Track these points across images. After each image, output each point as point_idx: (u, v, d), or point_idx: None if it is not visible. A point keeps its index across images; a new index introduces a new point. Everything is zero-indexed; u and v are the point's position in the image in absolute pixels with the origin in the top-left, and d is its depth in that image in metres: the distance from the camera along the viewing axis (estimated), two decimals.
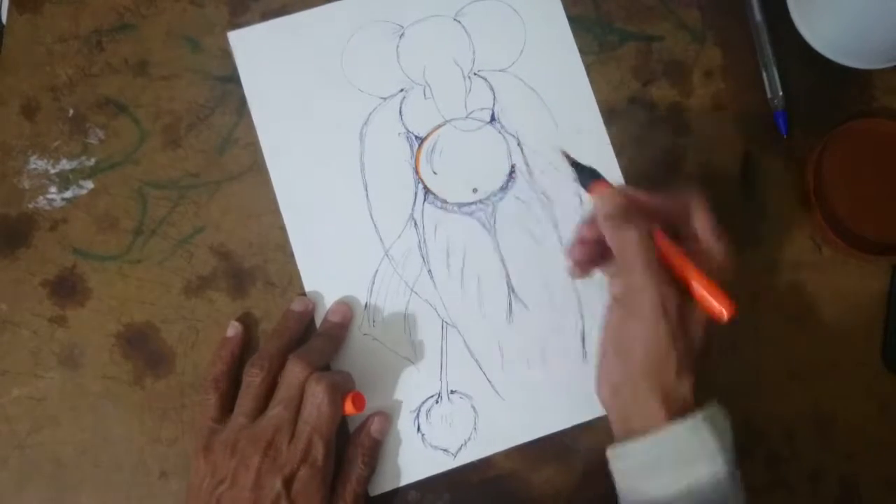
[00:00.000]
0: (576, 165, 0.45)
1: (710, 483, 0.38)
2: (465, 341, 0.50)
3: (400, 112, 0.52)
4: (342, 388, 0.45)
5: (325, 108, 0.52)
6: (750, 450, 0.50)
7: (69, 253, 0.51)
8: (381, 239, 0.51)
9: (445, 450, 0.49)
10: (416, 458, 0.48)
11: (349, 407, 0.45)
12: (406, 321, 0.50)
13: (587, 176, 0.44)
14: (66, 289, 0.50)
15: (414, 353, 0.50)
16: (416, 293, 0.50)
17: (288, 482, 0.42)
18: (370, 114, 0.52)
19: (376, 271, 0.50)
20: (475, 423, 0.49)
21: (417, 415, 0.49)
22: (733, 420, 0.41)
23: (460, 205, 0.51)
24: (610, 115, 0.54)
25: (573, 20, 0.55)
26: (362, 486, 0.46)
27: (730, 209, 0.53)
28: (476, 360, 0.50)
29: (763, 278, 0.52)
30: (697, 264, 0.41)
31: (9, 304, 0.50)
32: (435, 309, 0.50)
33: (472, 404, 0.49)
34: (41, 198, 0.51)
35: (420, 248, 0.51)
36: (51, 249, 0.50)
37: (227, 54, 0.53)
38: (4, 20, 0.54)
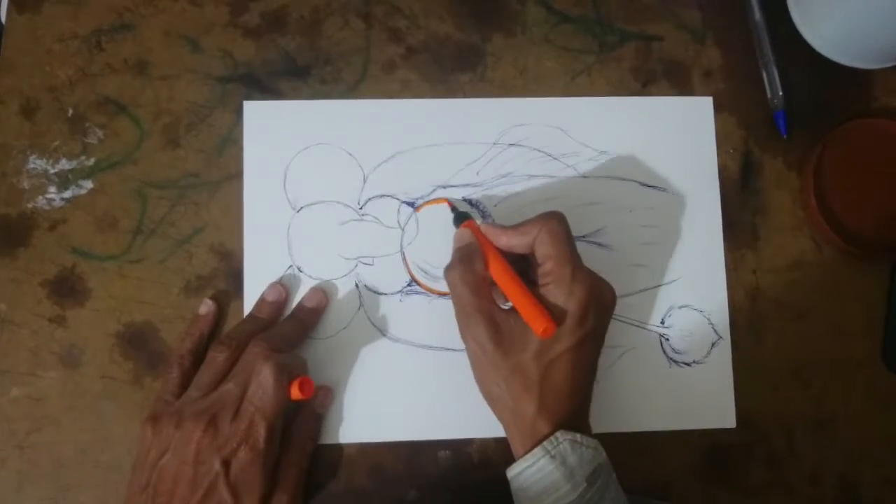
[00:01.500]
0: (453, 209, 0.50)
1: None
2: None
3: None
4: (290, 370, 0.44)
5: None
6: (750, 450, 0.50)
7: (69, 253, 0.50)
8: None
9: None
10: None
11: (295, 391, 0.44)
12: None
13: (459, 220, 0.48)
14: (66, 289, 0.50)
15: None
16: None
17: (227, 463, 0.42)
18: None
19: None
20: None
21: None
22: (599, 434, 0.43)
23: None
24: None
25: (573, 20, 0.55)
26: (307, 461, 0.46)
27: (730, 209, 0.53)
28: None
29: (763, 278, 0.52)
30: (539, 290, 0.44)
31: (8, 304, 0.50)
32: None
33: None
34: (41, 198, 0.51)
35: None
36: (50, 249, 0.50)
37: (226, 54, 0.53)
38: (4, 20, 0.53)
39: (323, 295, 0.50)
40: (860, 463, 0.51)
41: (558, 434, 0.41)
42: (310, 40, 0.54)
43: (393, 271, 0.51)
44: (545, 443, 0.41)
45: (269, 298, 0.49)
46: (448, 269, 0.45)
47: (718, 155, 0.53)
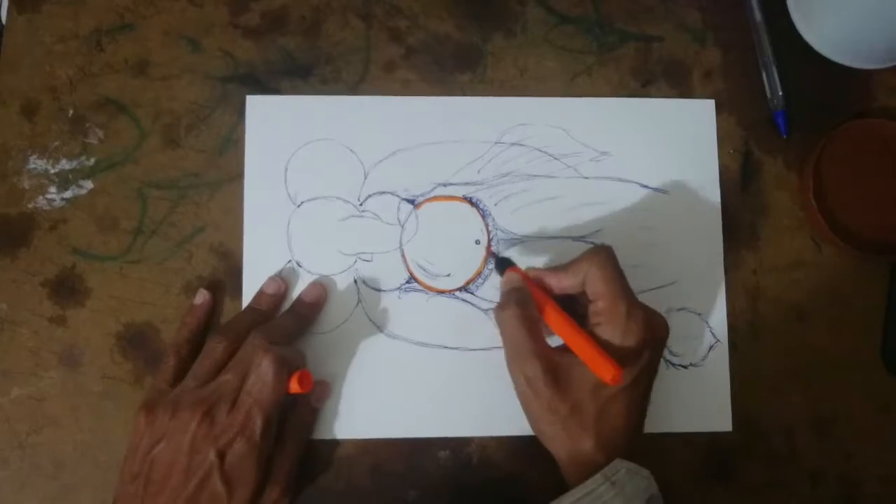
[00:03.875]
0: (494, 256, 0.50)
1: None
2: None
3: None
4: (290, 363, 0.44)
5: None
6: (750, 450, 0.50)
7: (69, 253, 0.51)
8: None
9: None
10: None
11: (294, 385, 0.44)
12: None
13: (502, 264, 0.48)
14: (66, 289, 0.50)
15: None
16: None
17: (222, 454, 0.42)
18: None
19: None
20: None
21: None
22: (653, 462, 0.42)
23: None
24: None
25: (573, 20, 0.55)
26: (300, 454, 0.46)
27: (730, 209, 0.53)
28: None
29: (763, 278, 0.52)
30: (592, 328, 0.43)
31: (9, 304, 0.50)
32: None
33: None
34: (41, 198, 0.51)
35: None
36: (51, 249, 0.50)
37: (226, 54, 0.53)
38: (4, 20, 0.54)
39: (322, 290, 0.50)
40: (860, 463, 0.51)
41: (616, 462, 0.41)
42: (310, 40, 0.54)
43: (392, 268, 0.51)
44: (605, 470, 0.41)
45: (269, 291, 0.49)
46: (500, 309, 0.45)
47: (719, 156, 0.53)
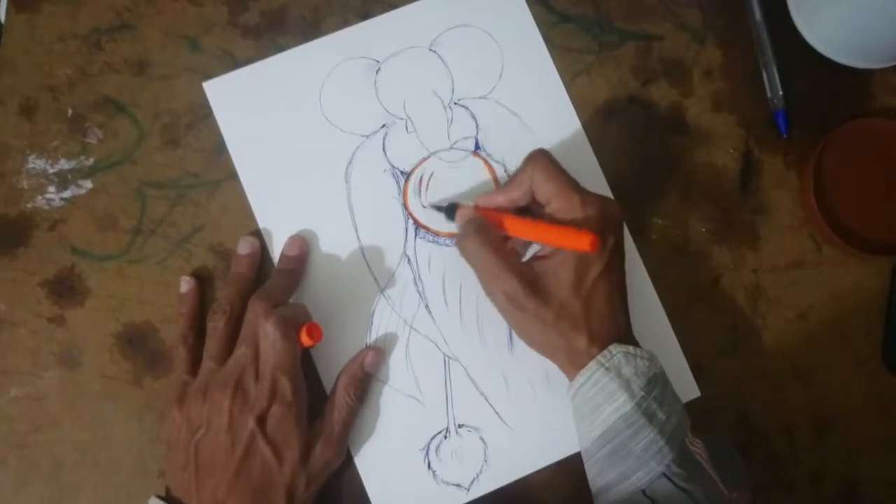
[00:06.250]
0: (438, 208, 0.50)
1: (620, 418, 0.41)
2: (468, 373, 0.50)
3: (383, 148, 0.52)
4: (294, 321, 0.45)
5: (307, 151, 0.52)
6: (750, 450, 0.50)
7: (68, 252, 0.50)
8: (375, 279, 0.50)
9: (458, 485, 0.48)
10: (429, 495, 0.48)
11: (305, 339, 0.45)
12: (408, 358, 0.50)
13: (451, 210, 0.48)
14: (65, 288, 0.50)
15: (418, 389, 0.49)
16: (415, 330, 0.50)
17: (261, 421, 0.43)
18: (353, 153, 0.52)
19: (373, 311, 0.50)
20: (486, 456, 0.49)
21: (427, 452, 0.49)
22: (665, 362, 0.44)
23: (452, 237, 0.51)
24: (609, 114, 0.53)
25: (573, 20, 0.55)
26: (350, 417, 0.47)
27: (730, 209, 0.53)
28: (481, 392, 0.49)
29: (763, 278, 0.52)
30: (551, 220, 0.44)
31: (8, 304, 0.50)
32: (435, 344, 0.50)
33: (481, 436, 0.49)
34: (40, 197, 0.51)
35: (416, 283, 0.51)
36: (50, 249, 0.50)
37: (226, 54, 0.53)
38: (3, 20, 0.53)
39: (303, 241, 0.50)
40: (860, 463, 0.51)
41: (611, 347, 0.42)
42: (310, 40, 0.54)
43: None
44: (599, 356, 0.42)
45: (244, 252, 0.50)
46: (462, 240, 0.45)
47: (719, 155, 0.53)
